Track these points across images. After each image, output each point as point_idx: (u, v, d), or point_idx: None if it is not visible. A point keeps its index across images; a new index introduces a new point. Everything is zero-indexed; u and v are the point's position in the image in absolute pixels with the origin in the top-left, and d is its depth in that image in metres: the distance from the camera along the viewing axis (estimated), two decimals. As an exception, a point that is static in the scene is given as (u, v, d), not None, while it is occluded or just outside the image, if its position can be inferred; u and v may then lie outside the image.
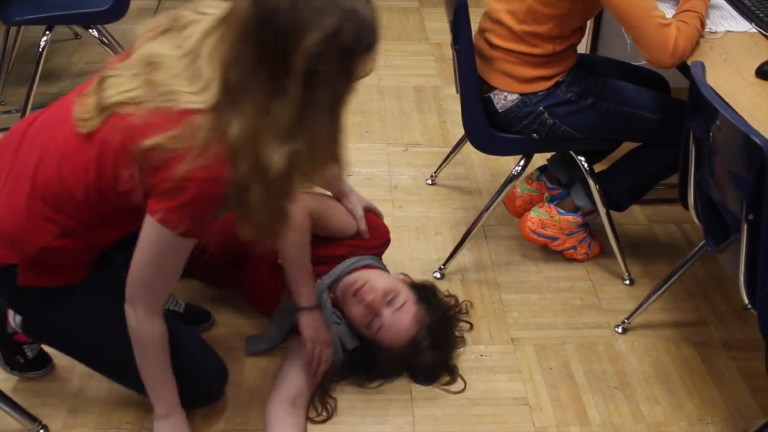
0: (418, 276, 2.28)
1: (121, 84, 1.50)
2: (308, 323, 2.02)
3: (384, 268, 2.22)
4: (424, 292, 2.15)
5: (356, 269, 2.12)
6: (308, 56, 1.33)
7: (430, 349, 2.05)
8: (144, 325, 1.66)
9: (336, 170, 1.57)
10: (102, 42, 3.09)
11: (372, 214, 2.25)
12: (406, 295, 2.04)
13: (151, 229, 1.54)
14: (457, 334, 2.20)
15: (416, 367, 2.08)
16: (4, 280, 1.70)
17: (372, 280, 2.02)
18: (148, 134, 1.44)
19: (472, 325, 2.26)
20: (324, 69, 1.35)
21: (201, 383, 1.90)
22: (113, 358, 1.80)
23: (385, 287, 2.01)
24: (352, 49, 1.36)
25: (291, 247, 1.99)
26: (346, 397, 2.04)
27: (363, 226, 2.19)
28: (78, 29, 3.90)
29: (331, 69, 1.36)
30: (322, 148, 1.46)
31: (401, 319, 2.01)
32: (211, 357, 1.93)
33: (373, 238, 2.22)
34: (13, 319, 1.95)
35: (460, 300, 2.31)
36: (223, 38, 1.41)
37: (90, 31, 3.05)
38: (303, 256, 2.02)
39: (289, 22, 1.32)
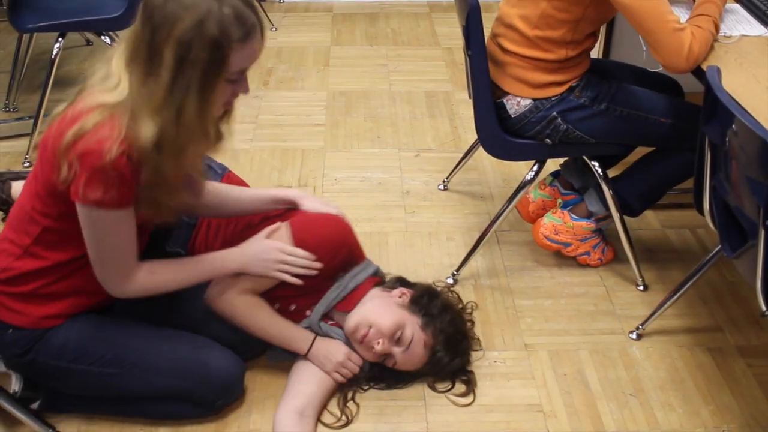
0: (432, 281, 2.26)
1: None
2: (319, 358, 2.01)
3: (371, 273, 2.13)
4: (426, 304, 2.05)
5: (346, 297, 2.06)
6: (177, 44, 1.53)
7: (449, 356, 2.04)
8: (137, 284, 1.79)
9: (205, 148, 1.74)
10: (114, 48, 3.09)
11: (319, 233, 2.04)
12: (411, 326, 2.00)
13: (80, 215, 1.67)
14: (468, 325, 2.18)
15: (438, 373, 2.07)
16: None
17: (375, 324, 1.97)
18: (71, 125, 1.60)
19: (473, 323, 2.23)
20: (193, 55, 1.53)
21: (219, 371, 1.91)
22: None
23: (390, 328, 1.96)
24: (218, 39, 1.54)
25: (255, 322, 2.00)
26: (359, 403, 2.03)
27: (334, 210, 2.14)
28: (90, 36, 3.92)
29: (200, 56, 1.54)
30: (188, 125, 1.60)
31: (413, 354, 2.00)
32: (222, 347, 1.95)
33: (327, 259, 2.02)
34: (16, 384, 1.94)
35: (465, 302, 2.28)
36: (125, 41, 1.63)
37: (102, 37, 3.06)
38: (269, 321, 2.01)
39: (162, 16, 1.53)
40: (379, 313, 2.00)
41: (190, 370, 1.88)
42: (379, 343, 1.96)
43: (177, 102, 1.57)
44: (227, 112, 1.76)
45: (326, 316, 2.08)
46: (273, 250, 1.96)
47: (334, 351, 2.02)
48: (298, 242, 1.98)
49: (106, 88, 1.63)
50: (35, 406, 1.95)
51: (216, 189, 2.08)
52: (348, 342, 2.05)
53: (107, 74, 1.65)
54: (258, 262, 1.95)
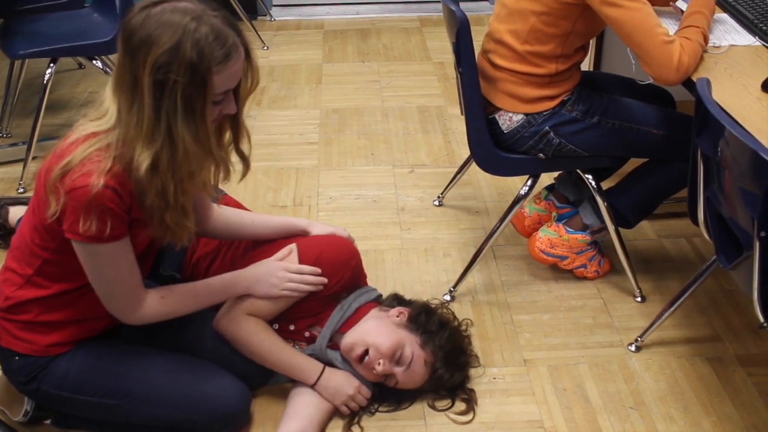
0: (427, 298, 2.25)
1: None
2: (329, 390, 1.99)
3: (372, 297, 2.13)
4: (424, 322, 2.05)
5: (348, 320, 2.05)
6: (155, 68, 1.50)
7: (451, 376, 2.04)
8: (149, 311, 1.79)
9: (220, 171, 1.71)
10: (106, 72, 3.10)
11: (324, 253, 2.05)
12: (411, 345, 1.99)
13: (77, 251, 1.67)
14: (466, 336, 2.16)
15: (440, 389, 2.07)
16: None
17: (374, 345, 1.96)
18: (59, 161, 1.59)
19: (470, 339, 2.19)
20: (172, 79, 1.51)
21: (222, 402, 1.89)
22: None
23: (389, 349, 1.95)
24: (196, 62, 1.51)
25: (262, 348, 1.97)
26: (363, 425, 2.01)
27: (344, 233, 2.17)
28: (82, 59, 3.93)
29: (180, 79, 1.51)
30: (187, 150, 1.58)
31: (413, 372, 1.99)
32: (228, 376, 1.93)
33: (331, 279, 2.03)
34: (28, 404, 1.94)
35: (461, 319, 2.24)
36: (114, 67, 1.63)
37: (94, 62, 3.06)
38: (277, 348, 1.99)
39: (138, 40, 1.51)
40: (378, 333, 1.99)
41: (193, 401, 1.86)
42: (379, 364, 1.96)
43: (166, 128, 1.55)
44: (239, 132, 1.74)
45: (332, 343, 2.07)
46: (278, 270, 1.97)
47: (344, 384, 2.00)
48: (303, 263, 2.00)
49: (96, 116, 1.63)
50: (48, 422, 1.97)
51: (226, 213, 2.08)
52: (349, 365, 2.04)
53: (99, 102, 1.65)
54: (263, 283, 1.96)
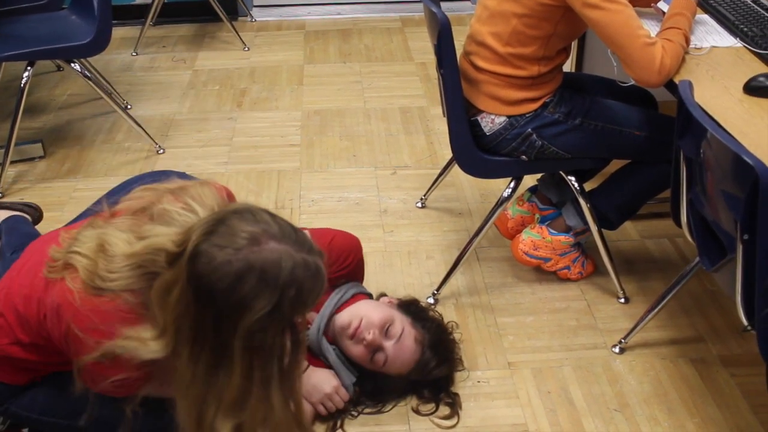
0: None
1: (83, 244, 1.52)
2: (306, 387, 1.98)
3: (366, 292, 2.18)
4: (414, 310, 2.13)
5: (344, 304, 2.07)
6: (247, 335, 1.32)
7: (437, 364, 2.05)
8: None
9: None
10: (84, 75, 3.07)
11: (336, 238, 2.12)
12: (401, 321, 2.03)
13: None
14: (452, 338, 2.18)
15: (427, 384, 2.08)
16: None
17: (366, 316, 1.99)
18: (94, 339, 1.44)
19: (455, 342, 2.20)
20: (265, 343, 1.35)
21: None
22: None
23: (380, 319, 1.99)
24: (290, 317, 1.37)
25: None
26: (345, 430, 2.01)
27: None
28: (60, 62, 3.88)
29: (273, 341, 1.36)
30: (276, 418, 1.42)
31: (404, 347, 2.00)
32: None
33: (339, 263, 2.11)
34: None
35: (446, 322, 2.25)
36: (170, 297, 1.37)
37: (72, 65, 3.03)
38: None
39: (227, 304, 1.31)
40: (370, 308, 2.04)
41: None
42: (370, 333, 1.97)
43: (257, 394, 1.38)
44: None
45: (326, 331, 2.07)
46: (324, 389, 1.97)
47: (322, 382, 2.00)
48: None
49: (140, 329, 1.43)
50: None
51: None
52: (339, 360, 2.03)
53: (144, 306, 1.44)
54: (309, 396, 1.95)
